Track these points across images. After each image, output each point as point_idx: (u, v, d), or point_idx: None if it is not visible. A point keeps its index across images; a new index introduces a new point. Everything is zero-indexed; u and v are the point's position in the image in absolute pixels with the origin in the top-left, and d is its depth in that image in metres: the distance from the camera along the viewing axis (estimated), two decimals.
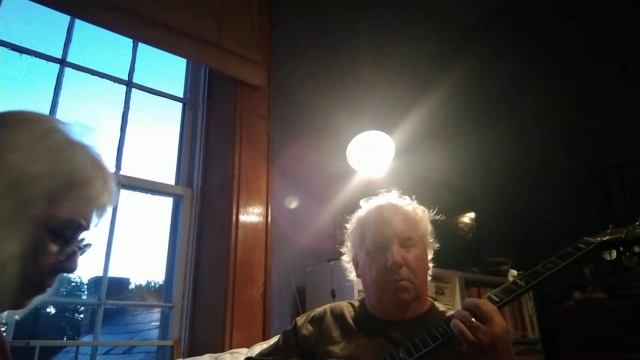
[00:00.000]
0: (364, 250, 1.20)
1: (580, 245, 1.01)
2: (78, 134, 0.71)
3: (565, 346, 2.39)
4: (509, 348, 0.91)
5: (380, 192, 1.31)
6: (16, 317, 0.80)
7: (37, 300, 0.72)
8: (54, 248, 0.67)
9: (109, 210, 0.75)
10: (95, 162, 0.72)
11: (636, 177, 2.73)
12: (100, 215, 0.74)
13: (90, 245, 0.73)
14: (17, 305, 0.68)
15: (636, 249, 0.99)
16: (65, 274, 0.72)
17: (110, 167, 0.73)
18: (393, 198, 1.26)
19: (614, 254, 1.02)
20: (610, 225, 1.04)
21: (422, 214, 1.24)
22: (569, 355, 2.35)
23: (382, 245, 1.15)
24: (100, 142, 0.74)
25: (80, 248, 0.71)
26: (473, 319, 0.89)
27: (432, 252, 1.25)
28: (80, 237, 0.72)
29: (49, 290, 0.71)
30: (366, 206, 1.28)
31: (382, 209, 1.21)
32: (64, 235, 0.68)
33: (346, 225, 1.31)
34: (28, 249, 0.63)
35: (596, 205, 2.79)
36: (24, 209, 0.62)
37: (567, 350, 2.37)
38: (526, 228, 3.08)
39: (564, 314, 2.45)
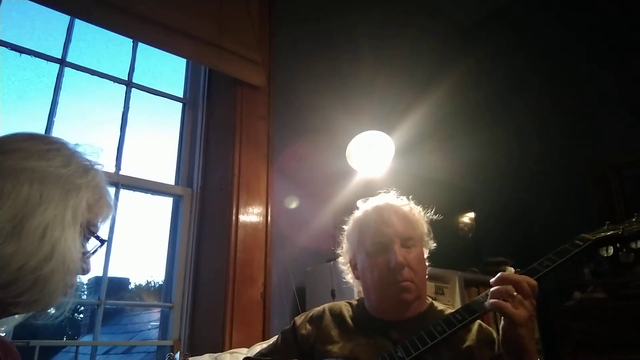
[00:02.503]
0: (364, 251, 1.19)
1: (577, 242, 1.02)
2: (89, 154, 0.82)
3: (565, 346, 2.39)
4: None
5: (379, 192, 1.31)
6: (17, 317, 0.82)
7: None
8: (84, 249, 0.78)
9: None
10: (105, 183, 0.84)
11: (636, 177, 2.74)
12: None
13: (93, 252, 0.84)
14: (50, 305, 0.76)
15: (633, 245, 0.99)
16: (81, 274, 0.81)
17: (109, 166, 0.83)
18: (391, 198, 1.26)
19: (611, 250, 1.02)
20: (607, 222, 1.04)
21: (418, 214, 1.24)
22: (568, 355, 2.35)
23: (383, 245, 1.15)
24: (103, 159, 0.86)
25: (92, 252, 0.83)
26: (515, 293, 0.90)
27: (428, 251, 1.25)
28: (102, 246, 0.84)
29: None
30: (364, 207, 1.27)
31: (382, 210, 1.21)
32: (95, 237, 0.80)
33: (344, 226, 1.31)
34: (82, 248, 0.76)
35: (596, 205, 2.79)
36: (77, 215, 0.74)
37: (567, 350, 2.37)
38: (526, 228, 3.08)
39: (563, 314, 2.45)
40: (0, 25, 1.69)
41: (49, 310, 0.78)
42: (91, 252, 0.80)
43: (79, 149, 0.80)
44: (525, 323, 0.88)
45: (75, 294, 0.78)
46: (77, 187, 0.74)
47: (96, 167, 0.81)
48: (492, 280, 0.94)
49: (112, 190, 0.83)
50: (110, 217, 0.84)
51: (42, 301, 0.71)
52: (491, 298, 0.91)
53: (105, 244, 0.83)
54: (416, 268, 1.14)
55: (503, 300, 0.89)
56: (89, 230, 0.78)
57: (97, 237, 0.80)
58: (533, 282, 0.92)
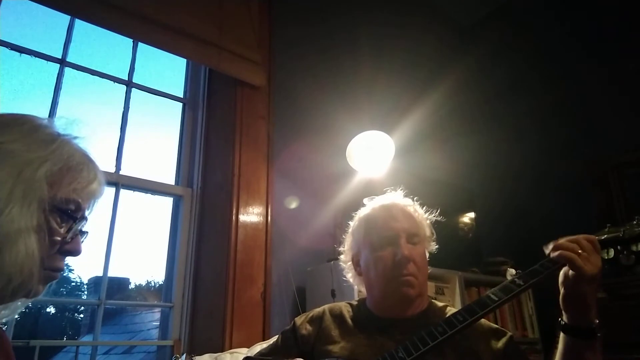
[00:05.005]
0: (369, 246, 1.19)
1: None
2: (62, 128, 0.77)
3: None
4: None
5: (386, 190, 1.32)
6: (16, 316, 0.81)
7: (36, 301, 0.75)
8: (60, 227, 0.73)
9: (100, 200, 0.81)
10: (83, 152, 0.78)
11: (636, 177, 2.73)
12: (92, 203, 0.79)
13: (88, 232, 0.80)
14: (32, 292, 0.71)
15: (633, 248, 0.99)
16: (71, 256, 0.77)
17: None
18: (398, 198, 1.28)
19: (612, 252, 1.02)
20: (608, 225, 1.04)
21: (422, 215, 1.26)
22: None
23: (390, 239, 1.16)
24: (84, 130, 0.80)
25: (82, 232, 0.78)
26: (580, 251, 0.91)
27: (429, 254, 1.26)
28: (80, 225, 0.77)
29: (59, 276, 0.76)
30: (371, 204, 1.28)
31: (390, 207, 1.23)
32: (67, 214, 0.73)
33: (348, 223, 1.31)
34: (41, 226, 0.69)
35: (596, 205, 2.79)
36: (32, 190, 0.68)
37: None
38: (526, 228, 3.08)
39: None
40: (0, 25, 1.69)
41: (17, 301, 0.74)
42: (67, 231, 0.73)
43: (48, 122, 0.76)
44: (593, 279, 0.89)
45: (47, 286, 0.74)
46: (31, 160, 0.68)
47: (64, 138, 0.75)
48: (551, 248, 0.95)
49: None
50: (95, 189, 0.77)
51: None
52: (555, 251, 0.92)
53: (85, 221, 0.76)
54: (420, 264, 1.15)
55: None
56: (59, 208, 0.71)
57: (70, 215, 0.73)
58: (591, 237, 0.94)
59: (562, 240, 0.95)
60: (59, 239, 0.72)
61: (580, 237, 0.94)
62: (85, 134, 0.79)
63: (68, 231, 0.74)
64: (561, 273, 0.94)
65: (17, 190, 0.66)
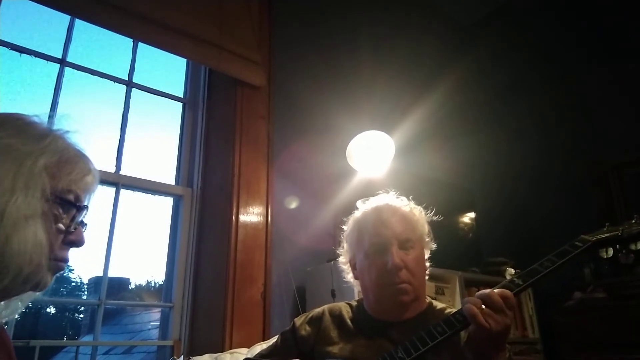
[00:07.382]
0: (362, 252, 1.19)
1: (577, 243, 1.02)
2: (53, 124, 0.79)
3: (565, 346, 2.39)
4: (505, 341, 0.94)
5: (378, 192, 1.31)
6: (16, 316, 0.81)
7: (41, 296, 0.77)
8: (63, 217, 0.74)
9: (95, 194, 0.82)
10: (75, 146, 0.79)
11: (636, 177, 2.73)
12: (88, 197, 0.80)
13: (87, 224, 0.81)
14: (42, 282, 0.72)
15: (632, 247, 0.99)
16: (75, 247, 0.78)
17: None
18: (390, 199, 1.26)
19: (611, 251, 1.02)
20: (607, 224, 1.04)
21: (419, 214, 1.24)
22: (569, 355, 2.35)
23: (381, 247, 1.15)
24: (74, 125, 0.81)
25: (82, 223, 0.79)
26: (484, 306, 0.90)
27: (429, 252, 1.25)
28: (81, 214, 0.78)
29: (65, 267, 0.77)
30: (363, 207, 1.27)
31: (380, 210, 1.21)
32: (69, 204, 0.75)
33: (345, 225, 1.31)
34: (47, 214, 0.70)
35: (596, 205, 2.79)
36: (33, 181, 0.69)
37: (567, 350, 2.37)
38: (526, 228, 3.08)
39: (564, 314, 2.46)
40: (0, 25, 1.69)
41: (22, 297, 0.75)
42: (70, 221, 0.75)
43: (39, 119, 0.78)
44: (491, 336, 0.88)
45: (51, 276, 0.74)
46: (29, 153, 0.70)
47: (57, 132, 0.77)
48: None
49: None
50: (91, 182, 0.79)
51: (10, 274, 0.66)
52: (464, 305, 0.92)
53: (86, 210, 0.78)
54: (414, 270, 1.14)
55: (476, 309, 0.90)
56: (60, 198, 0.73)
57: (72, 204, 0.75)
58: (506, 294, 0.91)
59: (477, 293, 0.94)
60: (63, 228, 0.74)
61: (490, 292, 0.92)
62: (76, 129, 0.81)
63: (71, 221, 0.75)
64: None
65: (19, 181, 0.67)
